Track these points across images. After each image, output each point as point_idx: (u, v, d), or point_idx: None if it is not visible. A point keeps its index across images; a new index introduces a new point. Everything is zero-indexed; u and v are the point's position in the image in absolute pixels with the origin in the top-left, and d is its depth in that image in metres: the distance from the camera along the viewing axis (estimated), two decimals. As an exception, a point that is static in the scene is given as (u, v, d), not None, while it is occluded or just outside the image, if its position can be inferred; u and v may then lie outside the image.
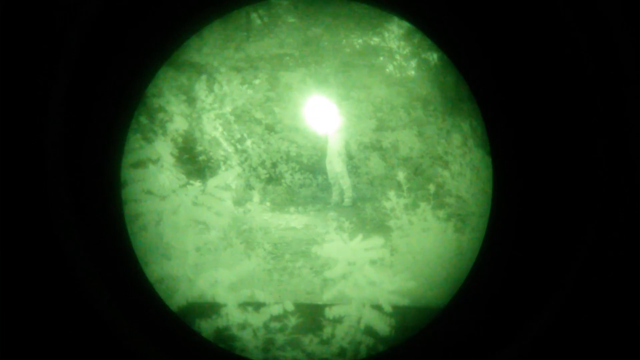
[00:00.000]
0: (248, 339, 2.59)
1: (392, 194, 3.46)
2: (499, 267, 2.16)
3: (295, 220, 3.92)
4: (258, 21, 3.72)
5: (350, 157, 4.45)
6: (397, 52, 3.74)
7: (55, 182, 1.94)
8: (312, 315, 2.64)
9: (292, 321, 2.62)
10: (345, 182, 4.26)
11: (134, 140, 2.90)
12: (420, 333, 2.34)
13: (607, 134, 1.84)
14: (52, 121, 1.89)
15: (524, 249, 2.07)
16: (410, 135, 3.81)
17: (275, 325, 2.62)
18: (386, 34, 3.71)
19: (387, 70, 3.99)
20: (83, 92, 2.03)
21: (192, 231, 3.06)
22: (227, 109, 3.96)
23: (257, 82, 4.05)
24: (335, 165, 4.20)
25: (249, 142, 4.18)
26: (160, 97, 3.19)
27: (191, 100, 3.39)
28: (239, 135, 4.11)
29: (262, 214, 3.86)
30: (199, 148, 3.45)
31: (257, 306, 2.67)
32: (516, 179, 2.16)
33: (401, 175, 3.45)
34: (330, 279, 2.80)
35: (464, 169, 3.19)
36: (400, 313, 2.58)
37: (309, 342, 2.58)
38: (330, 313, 2.61)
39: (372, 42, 3.91)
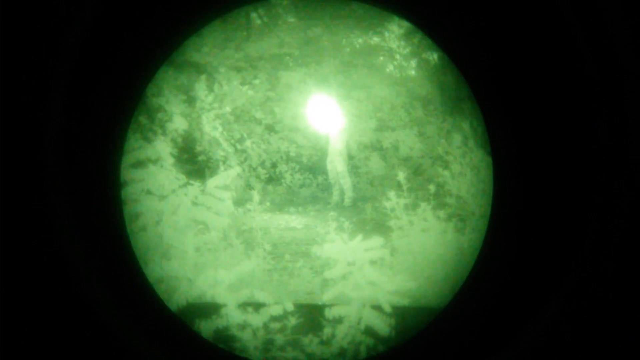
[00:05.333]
0: (248, 339, 2.58)
1: (392, 194, 3.46)
2: (499, 267, 2.15)
3: (295, 220, 3.92)
4: (258, 21, 3.72)
5: (350, 157, 4.45)
6: (397, 52, 3.73)
7: (54, 182, 1.93)
8: (312, 316, 2.64)
9: (292, 321, 2.62)
10: (346, 182, 4.26)
11: (134, 140, 2.89)
12: (420, 333, 2.34)
13: (607, 133, 1.83)
14: (51, 121, 1.89)
15: (524, 249, 2.07)
16: (410, 135, 3.80)
17: (275, 325, 2.61)
18: (386, 34, 3.71)
19: (387, 70, 3.99)
20: (82, 92, 2.02)
21: (192, 231, 3.05)
22: (227, 109, 3.95)
23: (257, 82, 4.05)
24: (336, 165, 4.20)
25: (249, 142, 4.18)
26: (160, 97, 3.19)
27: (191, 100, 3.38)
28: (239, 135, 4.11)
29: (262, 214, 3.86)
30: (199, 148, 3.44)
31: (257, 306, 2.66)
32: (516, 179, 2.15)
33: (401, 175, 3.44)
34: (330, 279, 2.80)
35: (464, 169, 3.19)
36: (400, 313, 2.58)
37: (309, 342, 2.57)
38: (330, 313, 2.61)
39: (372, 42, 3.91)
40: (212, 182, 3.15)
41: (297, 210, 4.14)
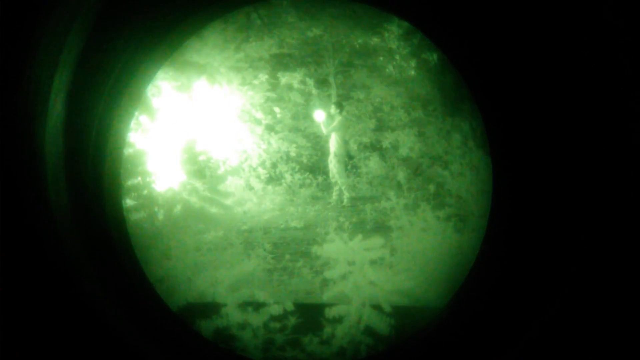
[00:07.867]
0: (248, 339, 2.59)
1: (392, 194, 3.47)
2: (498, 266, 2.16)
3: (295, 220, 3.94)
4: (258, 21, 3.73)
5: (350, 157, 4.46)
6: (397, 52, 3.74)
7: (55, 184, 1.94)
8: (312, 315, 2.64)
9: (292, 321, 2.63)
10: (343, 182, 4.28)
11: (134, 140, 2.90)
12: (419, 332, 2.34)
13: (607, 134, 1.84)
14: (51, 122, 1.89)
15: (523, 248, 2.07)
16: (410, 135, 3.82)
17: (275, 325, 2.62)
18: (386, 34, 3.72)
19: (387, 70, 3.99)
20: (83, 92, 2.03)
21: (192, 231, 3.06)
22: (228, 109, 3.96)
23: (257, 82, 4.05)
24: (334, 165, 4.22)
25: (249, 142, 4.19)
26: (160, 96, 3.20)
27: (191, 100, 3.39)
28: (239, 136, 4.12)
29: (262, 214, 3.87)
30: (199, 148, 3.45)
31: (257, 306, 2.67)
32: (516, 179, 2.16)
33: (401, 175, 3.46)
34: (330, 279, 2.81)
35: (464, 169, 3.20)
36: (399, 313, 2.58)
37: (309, 342, 2.58)
38: (330, 313, 2.62)
39: (372, 43, 3.91)
40: (212, 182, 3.15)
41: (297, 210, 4.15)
